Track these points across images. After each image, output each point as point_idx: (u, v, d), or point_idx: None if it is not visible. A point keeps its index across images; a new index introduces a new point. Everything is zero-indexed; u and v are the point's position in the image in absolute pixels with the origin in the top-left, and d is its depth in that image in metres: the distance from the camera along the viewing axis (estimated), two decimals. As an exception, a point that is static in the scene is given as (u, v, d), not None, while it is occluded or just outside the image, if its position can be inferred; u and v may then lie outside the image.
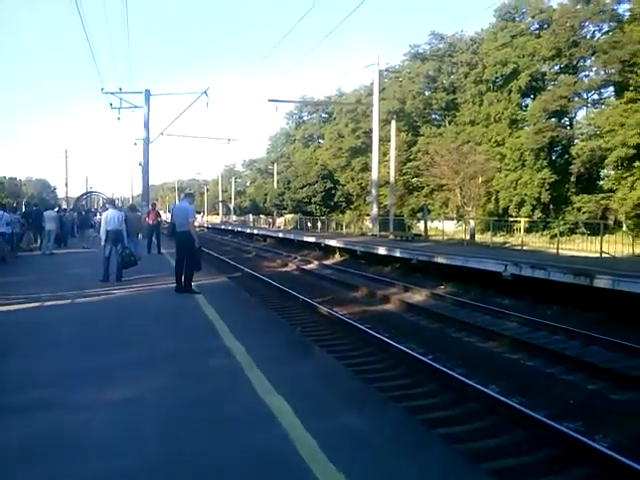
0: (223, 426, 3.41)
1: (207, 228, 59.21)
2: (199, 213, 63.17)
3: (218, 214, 76.50)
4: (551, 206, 38.68)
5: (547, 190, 37.58)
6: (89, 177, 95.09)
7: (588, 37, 38.19)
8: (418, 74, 49.96)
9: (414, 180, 45.78)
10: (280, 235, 32.63)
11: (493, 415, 5.05)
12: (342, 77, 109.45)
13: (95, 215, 27.45)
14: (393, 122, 30.57)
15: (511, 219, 31.97)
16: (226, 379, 4.33)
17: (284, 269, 18.67)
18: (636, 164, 33.38)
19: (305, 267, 18.67)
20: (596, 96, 39.72)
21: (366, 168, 46.69)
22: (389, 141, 31.07)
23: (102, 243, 10.03)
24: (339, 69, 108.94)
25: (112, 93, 21.79)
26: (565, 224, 30.45)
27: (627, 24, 34.49)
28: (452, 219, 39.10)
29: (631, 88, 34.11)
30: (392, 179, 29.63)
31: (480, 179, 33.50)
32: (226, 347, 5.26)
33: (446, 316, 9.63)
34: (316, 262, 19.79)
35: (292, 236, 29.59)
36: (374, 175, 27.00)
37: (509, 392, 5.67)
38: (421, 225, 30.26)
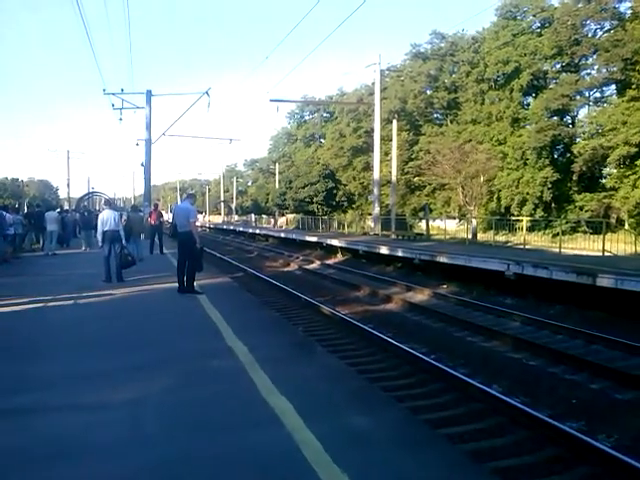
0: (226, 427, 3.40)
1: (209, 228, 59.22)
2: (201, 213, 63.09)
3: (220, 214, 76.48)
4: (553, 205, 38.60)
5: (549, 189, 37.47)
6: (91, 178, 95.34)
7: (590, 35, 38.09)
8: (419, 73, 49.86)
9: (416, 179, 45.67)
10: (282, 235, 32.59)
11: (496, 415, 5.04)
12: (343, 77, 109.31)
13: (97, 216, 27.40)
14: (395, 121, 30.60)
15: (513, 218, 31.94)
16: (229, 380, 4.33)
17: (286, 269, 18.67)
18: (638, 162, 33.29)
19: (307, 267, 18.67)
20: (598, 94, 39.70)
21: (368, 167, 46.70)
22: (391, 140, 31.11)
23: (100, 244, 10.06)
24: (340, 69, 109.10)
25: (114, 94, 21.97)
26: (567, 223, 30.42)
27: (629, 22, 34.39)
28: (454, 218, 39.07)
29: (633, 86, 34.06)
30: (394, 178, 29.65)
31: (482, 178, 33.39)
32: (229, 347, 5.26)
33: (448, 315, 9.62)
34: (318, 262, 19.78)
35: (294, 236, 29.55)
36: (376, 174, 27.00)
37: (512, 392, 5.66)
38: (423, 224, 30.20)
